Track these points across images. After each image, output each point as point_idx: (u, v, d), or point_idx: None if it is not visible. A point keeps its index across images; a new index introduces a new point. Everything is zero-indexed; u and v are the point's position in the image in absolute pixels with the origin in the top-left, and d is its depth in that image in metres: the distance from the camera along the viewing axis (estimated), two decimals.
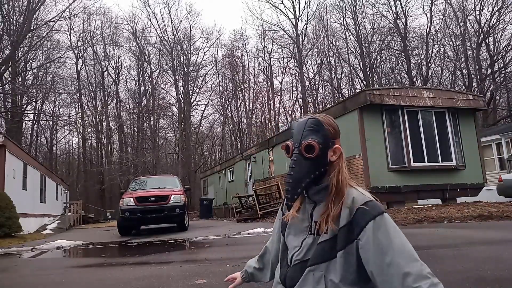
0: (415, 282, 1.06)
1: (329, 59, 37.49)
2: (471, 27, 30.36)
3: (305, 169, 1.23)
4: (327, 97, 39.12)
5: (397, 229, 1.16)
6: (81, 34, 39.21)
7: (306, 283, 1.20)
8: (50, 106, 37.42)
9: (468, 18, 30.25)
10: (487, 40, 29.53)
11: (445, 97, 11.86)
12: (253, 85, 40.94)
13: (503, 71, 28.70)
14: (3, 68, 25.58)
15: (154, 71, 40.44)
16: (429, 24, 31.70)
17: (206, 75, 41.55)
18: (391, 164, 10.90)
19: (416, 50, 33.69)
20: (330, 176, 1.25)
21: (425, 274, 1.08)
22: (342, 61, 37.09)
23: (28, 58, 30.01)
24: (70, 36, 38.49)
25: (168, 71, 40.22)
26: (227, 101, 41.85)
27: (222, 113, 41.74)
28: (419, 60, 33.39)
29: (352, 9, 35.14)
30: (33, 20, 26.68)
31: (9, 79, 27.33)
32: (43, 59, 31.68)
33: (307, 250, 1.24)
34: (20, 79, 29.28)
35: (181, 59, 39.70)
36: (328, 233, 1.19)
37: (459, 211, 9.07)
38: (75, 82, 38.82)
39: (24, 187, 15.95)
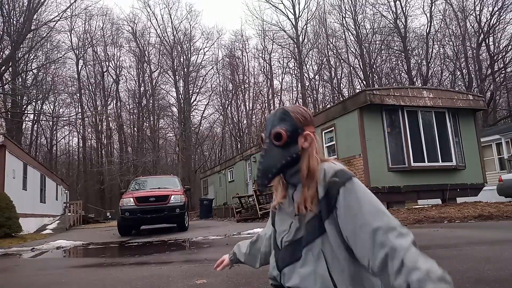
0: (383, 235, 1.07)
1: (329, 59, 37.49)
2: (471, 27, 30.39)
3: (276, 156, 1.28)
4: (327, 97, 39.15)
5: (367, 190, 1.19)
6: (82, 35, 39.31)
7: (307, 263, 1.22)
8: (50, 106, 37.47)
9: (468, 18, 30.27)
10: (487, 40, 29.53)
11: (445, 97, 11.86)
12: (253, 85, 40.99)
13: (503, 71, 28.71)
14: (3, 68, 25.60)
15: (154, 71, 40.49)
16: (429, 24, 31.73)
17: (206, 75, 41.64)
18: (391, 164, 10.91)
19: (416, 50, 33.70)
20: (300, 162, 1.28)
21: (393, 225, 1.09)
22: (342, 61, 37.11)
23: (28, 58, 30.03)
24: (71, 36, 38.58)
25: (168, 71, 40.25)
26: (227, 101, 41.89)
27: (222, 113, 41.75)
28: (419, 60, 33.41)
29: (352, 9, 35.14)
30: (33, 20, 26.70)
31: (9, 79, 27.35)
32: (43, 59, 31.71)
33: (295, 231, 1.27)
34: (20, 79, 29.28)
35: (181, 59, 39.71)
36: (313, 211, 1.23)
37: (459, 211, 9.07)
38: (75, 83, 38.89)
39: (24, 187, 15.94)
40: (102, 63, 40.67)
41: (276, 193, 1.41)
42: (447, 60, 32.60)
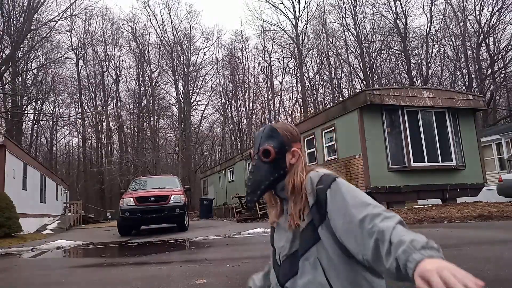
0: (370, 223, 1.07)
1: (329, 59, 37.49)
2: (471, 27, 30.38)
3: (264, 172, 1.33)
4: (327, 97, 39.14)
5: (351, 186, 1.21)
6: (82, 35, 39.31)
7: (305, 273, 1.23)
8: (50, 106, 37.46)
9: (468, 18, 30.26)
10: (487, 40, 29.53)
11: (445, 97, 11.85)
12: (253, 85, 40.99)
13: (503, 71, 28.71)
14: (3, 68, 25.61)
15: (154, 71, 40.49)
16: (429, 24, 31.73)
17: (206, 75, 41.62)
18: (391, 164, 10.90)
19: (416, 50, 33.70)
20: (286, 179, 1.32)
21: (377, 212, 1.09)
22: (342, 61, 37.10)
23: (28, 58, 30.02)
24: (71, 36, 38.56)
25: (168, 71, 40.24)
26: (227, 101, 41.89)
27: (222, 113, 41.75)
28: (419, 60, 33.41)
29: (352, 9, 35.13)
30: (33, 20, 26.70)
31: (9, 79, 27.35)
32: (43, 59, 31.71)
33: (291, 244, 1.29)
34: (20, 79, 29.28)
35: (181, 59, 39.71)
36: (305, 220, 1.25)
37: (459, 211, 9.07)
38: (75, 83, 38.89)
39: (24, 187, 15.94)
40: (102, 63, 40.72)
41: (271, 210, 1.43)
42: (447, 60, 32.62)
